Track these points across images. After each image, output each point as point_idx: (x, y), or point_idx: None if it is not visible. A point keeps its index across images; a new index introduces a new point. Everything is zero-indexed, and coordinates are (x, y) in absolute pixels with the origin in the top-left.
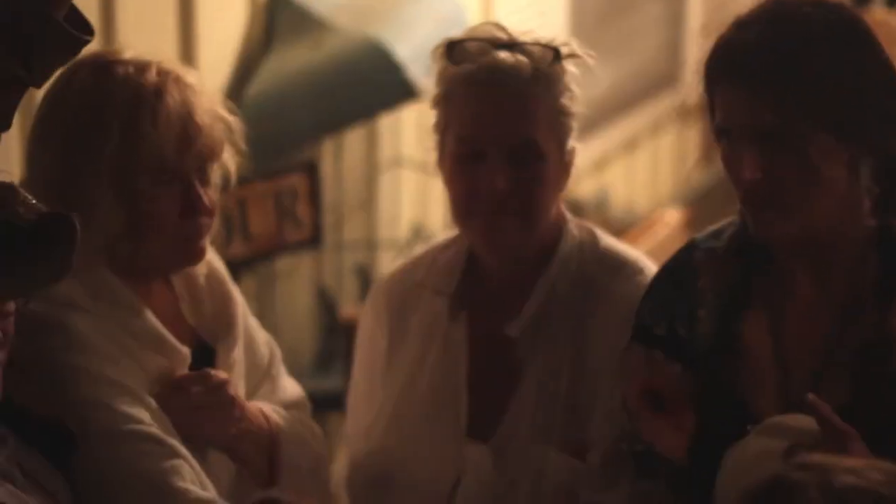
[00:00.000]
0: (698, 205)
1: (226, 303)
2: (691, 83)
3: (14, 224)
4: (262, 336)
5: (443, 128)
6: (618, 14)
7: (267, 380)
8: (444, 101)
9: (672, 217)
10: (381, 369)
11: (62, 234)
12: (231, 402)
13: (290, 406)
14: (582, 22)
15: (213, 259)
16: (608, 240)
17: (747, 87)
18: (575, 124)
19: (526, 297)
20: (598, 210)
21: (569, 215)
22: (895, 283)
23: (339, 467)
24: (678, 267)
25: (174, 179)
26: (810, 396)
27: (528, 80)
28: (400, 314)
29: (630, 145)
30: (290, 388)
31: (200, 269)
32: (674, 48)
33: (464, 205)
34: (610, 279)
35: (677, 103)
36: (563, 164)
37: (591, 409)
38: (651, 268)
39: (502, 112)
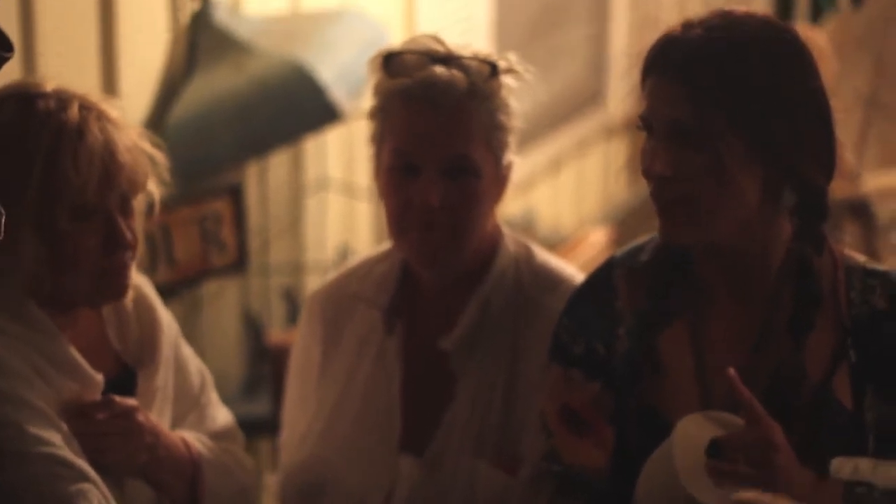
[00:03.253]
0: (624, 223)
1: (152, 329)
2: (616, 102)
3: None
4: (194, 364)
5: (379, 140)
6: (543, 34)
7: (196, 408)
8: (380, 114)
9: (598, 236)
10: (314, 379)
11: None
12: (139, 429)
13: (219, 435)
14: (506, 42)
15: (142, 285)
16: (543, 255)
17: (674, 80)
18: (512, 139)
19: (461, 310)
20: (525, 229)
21: (505, 230)
22: (809, 316)
23: (274, 480)
24: (597, 285)
25: (96, 215)
26: (730, 370)
27: (463, 95)
28: (334, 324)
29: (556, 164)
30: (221, 417)
31: (128, 295)
32: (599, 68)
33: (397, 218)
34: (545, 296)
35: (603, 122)
36: (499, 179)
37: (525, 425)
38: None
39: (437, 127)
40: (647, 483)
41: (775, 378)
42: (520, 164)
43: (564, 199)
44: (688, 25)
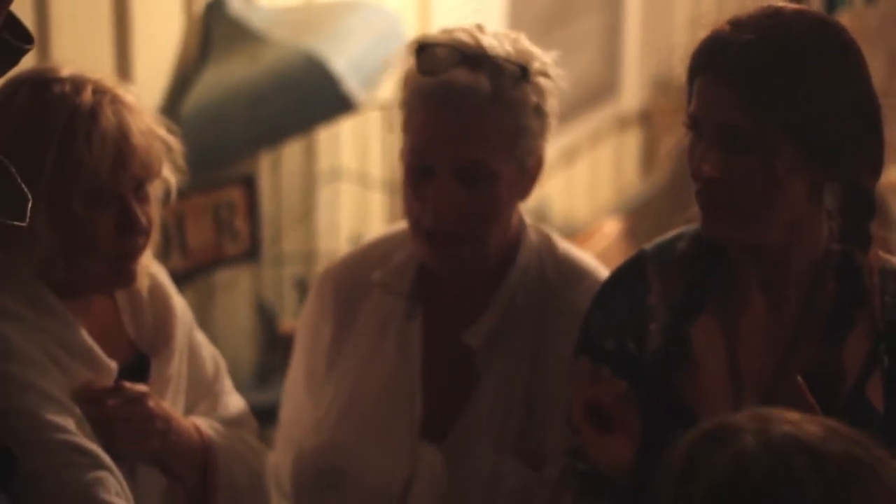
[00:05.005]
0: (637, 214)
1: (166, 317)
2: (630, 94)
3: None
4: (208, 352)
5: (404, 132)
6: (557, 24)
7: (209, 396)
8: (405, 108)
9: (611, 227)
10: (323, 358)
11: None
12: (150, 416)
13: (232, 423)
14: (520, 33)
15: (157, 273)
16: (564, 245)
17: (726, 84)
18: (542, 140)
19: (483, 303)
20: (538, 221)
21: (526, 220)
22: (851, 313)
23: (275, 460)
24: (628, 280)
25: (110, 199)
26: (799, 379)
27: (485, 100)
28: (348, 305)
29: (569, 155)
30: (235, 404)
31: (143, 282)
32: (612, 59)
33: (413, 217)
34: (569, 290)
35: (616, 113)
36: (525, 178)
37: (547, 420)
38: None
39: (453, 130)
40: None
41: (811, 379)
42: None
43: (578, 190)
44: (737, 25)
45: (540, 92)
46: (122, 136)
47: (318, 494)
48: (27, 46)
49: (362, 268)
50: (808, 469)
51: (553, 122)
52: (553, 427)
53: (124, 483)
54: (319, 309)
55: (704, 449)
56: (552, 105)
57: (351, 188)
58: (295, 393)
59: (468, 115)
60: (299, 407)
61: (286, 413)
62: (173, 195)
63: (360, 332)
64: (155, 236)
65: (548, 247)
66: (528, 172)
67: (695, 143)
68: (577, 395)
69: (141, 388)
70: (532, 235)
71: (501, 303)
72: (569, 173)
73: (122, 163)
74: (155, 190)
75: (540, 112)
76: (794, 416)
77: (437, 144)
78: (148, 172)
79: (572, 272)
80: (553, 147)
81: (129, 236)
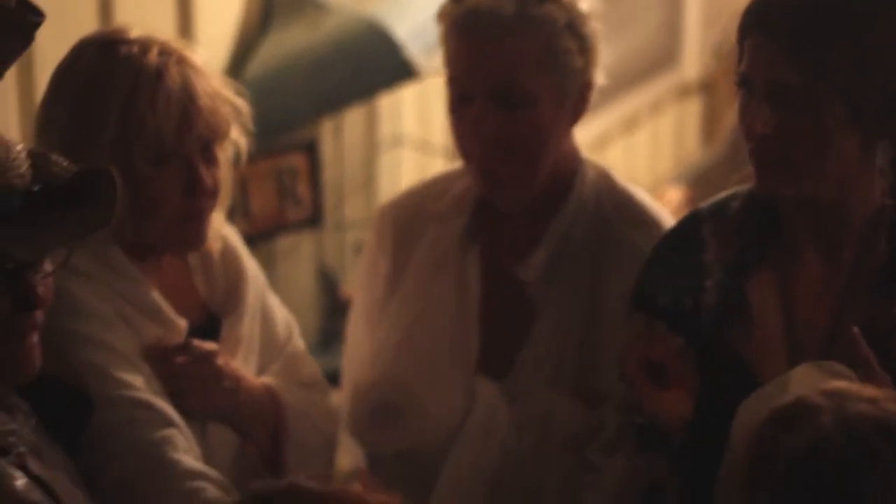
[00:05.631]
0: (698, 184)
1: (237, 278)
2: (691, 62)
3: (53, 184)
4: (281, 314)
5: (445, 66)
6: None
7: (281, 358)
8: (443, 41)
9: (674, 194)
10: (380, 295)
11: (101, 187)
12: (219, 374)
13: (305, 385)
14: None
15: (229, 234)
16: (624, 183)
17: (777, 41)
18: (590, 59)
19: (539, 236)
20: None
21: (583, 154)
22: None
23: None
24: (683, 238)
25: (175, 160)
26: (854, 329)
27: (510, 21)
28: (405, 240)
29: (629, 124)
30: (308, 367)
31: (215, 244)
32: (673, 27)
33: (462, 148)
34: (630, 230)
35: (677, 82)
36: (572, 101)
37: (605, 359)
38: (667, 219)
39: (482, 55)
40: (743, 430)
41: (866, 332)
42: (593, 122)
43: (638, 159)
44: None
45: (571, 11)
46: (187, 97)
47: (375, 430)
48: (38, 19)
49: (420, 203)
50: (886, 448)
51: (597, 44)
52: (611, 365)
53: (193, 440)
54: (377, 245)
55: (781, 428)
56: (592, 28)
57: (412, 155)
58: (355, 332)
59: (494, 38)
60: (358, 344)
61: (347, 353)
62: (243, 158)
63: (417, 267)
64: (225, 198)
65: (607, 183)
66: (572, 95)
67: (745, 101)
68: (632, 351)
69: (210, 346)
70: (589, 170)
71: (555, 236)
72: (629, 142)
73: (188, 123)
74: (224, 152)
75: (575, 32)
76: (871, 392)
77: (469, 70)
78: (214, 134)
79: (632, 210)
80: (613, 115)
81: (194, 198)
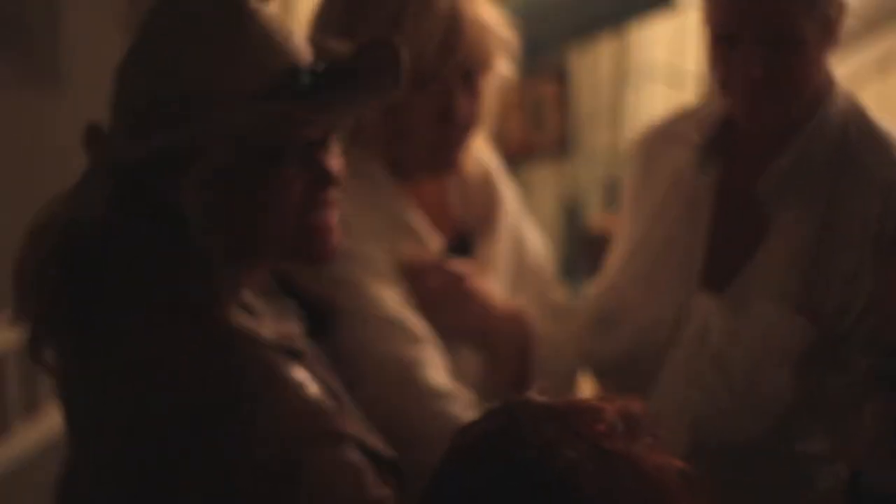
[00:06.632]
0: None
1: (493, 202)
2: None
3: (338, 64)
4: (535, 242)
5: (706, 4)
6: None
7: (534, 285)
8: None
9: None
10: (626, 210)
11: (386, 59)
12: (471, 295)
13: (554, 312)
14: None
15: (489, 160)
16: (879, 119)
17: None
18: None
19: (780, 154)
20: None
21: (839, 83)
22: None
23: None
24: None
25: (433, 85)
26: None
27: None
28: (649, 160)
29: (885, 63)
30: (557, 295)
31: (473, 169)
32: None
33: (720, 82)
34: (871, 155)
35: None
36: (830, 31)
37: (832, 280)
38: None
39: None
40: None
41: None
42: (844, 62)
43: (893, 103)
44: None
45: None
46: (453, 21)
47: (595, 335)
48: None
49: (670, 125)
50: None
51: None
52: (836, 288)
53: (445, 358)
54: (629, 169)
55: None
56: None
57: (662, 88)
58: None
59: None
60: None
61: None
62: (506, 90)
63: (654, 184)
64: (489, 127)
65: (858, 114)
66: (831, 24)
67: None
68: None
69: (466, 265)
70: (839, 98)
71: (796, 150)
72: (882, 86)
73: (451, 48)
74: (489, 84)
75: None
76: None
77: (738, 13)
78: (477, 63)
79: (878, 139)
80: (866, 54)
81: (448, 126)
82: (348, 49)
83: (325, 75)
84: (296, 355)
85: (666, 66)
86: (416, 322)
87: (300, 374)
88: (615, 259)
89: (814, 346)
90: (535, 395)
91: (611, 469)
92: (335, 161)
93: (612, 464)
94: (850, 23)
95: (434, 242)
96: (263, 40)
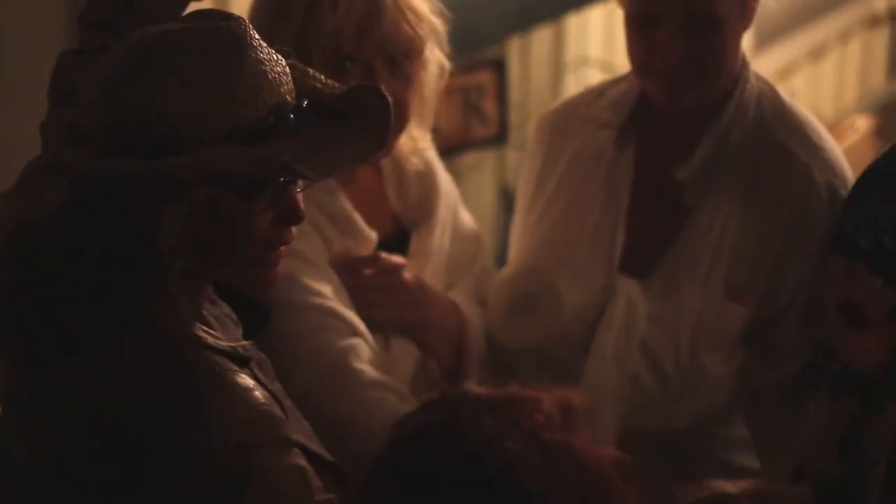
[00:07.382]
0: (884, 114)
1: (430, 192)
2: None
3: (320, 100)
4: (471, 231)
5: None
6: None
7: (470, 275)
8: None
9: (861, 123)
10: (531, 191)
11: (372, 107)
12: (404, 287)
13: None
14: None
15: (430, 153)
16: (790, 99)
17: None
18: None
19: (696, 139)
20: None
21: (748, 61)
22: None
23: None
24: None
25: (354, 67)
26: None
27: None
28: (557, 140)
29: (816, 53)
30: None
31: (409, 158)
32: None
33: (640, 67)
34: (791, 139)
35: (866, 12)
36: (746, 11)
37: (760, 263)
38: (825, 134)
39: None
40: None
41: None
42: (780, 51)
43: (824, 88)
44: None
45: None
46: (372, 4)
47: (513, 319)
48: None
49: (574, 107)
50: None
51: None
52: (764, 272)
53: (377, 351)
54: (534, 145)
55: None
56: None
57: (598, 76)
58: (513, 234)
59: None
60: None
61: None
62: (444, 78)
63: (569, 166)
64: (429, 117)
65: (770, 93)
66: (748, 4)
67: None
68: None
69: (398, 259)
70: (753, 78)
71: (715, 138)
72: (815, 71)
73: (368, 28)
74: (422, 71)
75: None
76: None
77: None
78: (400, 46)
79: (795, 122)
80: (800, 44)
81: None
82: (326, 85)
83: (311, 113)
84: (244, 361)
85: (600, 56)
86: (350, 315)
87: (248, 381)
88: (522, 241)
89: (744, 334)
90: (473, 386)
91: (551, 460)
92: (299, 197)
93: (551, 455)
94: (780, 19)
95: (370, 235)
96: (257, 77)
